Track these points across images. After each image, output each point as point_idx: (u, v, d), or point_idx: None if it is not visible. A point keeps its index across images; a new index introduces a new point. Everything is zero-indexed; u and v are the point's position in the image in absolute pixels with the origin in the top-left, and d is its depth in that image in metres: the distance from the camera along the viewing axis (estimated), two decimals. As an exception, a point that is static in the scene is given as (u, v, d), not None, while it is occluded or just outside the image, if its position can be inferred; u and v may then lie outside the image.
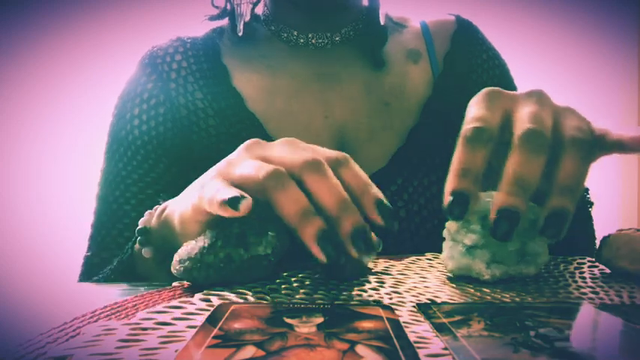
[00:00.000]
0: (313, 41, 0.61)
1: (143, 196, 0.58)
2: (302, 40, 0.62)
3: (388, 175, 0.58)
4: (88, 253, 0.60)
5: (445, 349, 0.23)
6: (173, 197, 0.60)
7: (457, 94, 0.63)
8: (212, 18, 0.67)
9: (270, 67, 0.62)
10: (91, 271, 0.59)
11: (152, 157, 0.60)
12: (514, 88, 0.66)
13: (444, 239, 0.38)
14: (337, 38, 0.62)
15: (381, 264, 0.42)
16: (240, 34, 0.61)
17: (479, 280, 0.36)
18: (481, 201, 0.36)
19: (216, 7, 0.66)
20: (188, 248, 0.35)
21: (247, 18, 0.62)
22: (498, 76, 0.66)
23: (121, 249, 0.57)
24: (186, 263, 0.34)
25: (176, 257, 0.35)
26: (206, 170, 0.40)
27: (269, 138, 0.57)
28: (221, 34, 0.67)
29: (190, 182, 0.56)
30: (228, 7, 0.65)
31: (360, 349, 0.22)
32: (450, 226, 0.38)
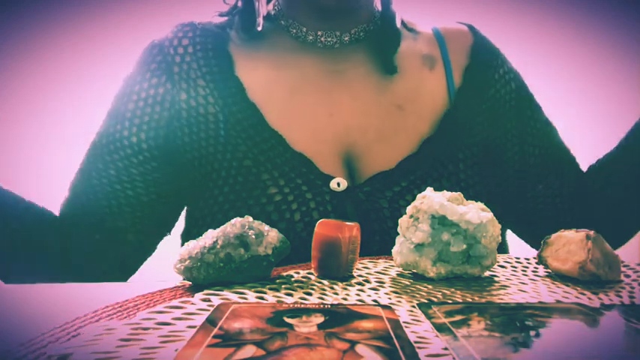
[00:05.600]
0: (322, 39, 0.61)
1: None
2: (310, 37, 0.61)
3: (393, 177, 0.57)
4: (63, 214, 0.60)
5: (445, 349, 0.23)
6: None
7: (475, 109, 0.63)
8: (222, 14, 0.67)
9: (276, 59, 0.62)
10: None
11: (145, 155, 0.60)
12: (530, 96, 0.68)
13: (398, 234, 0.39)
14: (346, 38, 0.61)
15: (381, 264, 0.42)
16: (260, 28, 0.61)
17: (424, 276, 0.37)
18: (432, 201, 0.37)
19: (227, 4, 0.66)
20: (189, 247, 0.35)
21: (264, 12, 0.62)
22: (515, 89, 0.66)
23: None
24: (187, 262, 0.34)
25: (177, 256, 0.35)
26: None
27: (270, 130, 0.57)
28: (230, 21, 0.66)
29: (189, 178, 0.58)
30: (240, 4, 0.65)
31: (360, 348, 0.22)
32: (402, 222, 0.39)
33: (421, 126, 0.61)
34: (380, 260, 0.43)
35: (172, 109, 0.60)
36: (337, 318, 0.26)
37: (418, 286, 0.35)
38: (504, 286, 0.36)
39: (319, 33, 0.61)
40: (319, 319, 0.26)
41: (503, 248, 0.66)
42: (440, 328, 0.25)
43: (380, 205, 0.56)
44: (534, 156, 0.65)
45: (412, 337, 0.24)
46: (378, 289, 0.34)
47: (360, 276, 0.38)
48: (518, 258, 0.44)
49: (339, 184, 0.56)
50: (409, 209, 0.39)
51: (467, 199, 0.39)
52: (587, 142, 0.81)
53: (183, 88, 0.61)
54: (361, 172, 0.58)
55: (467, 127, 0.62)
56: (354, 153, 0.59)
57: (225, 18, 0.67)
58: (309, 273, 0.38)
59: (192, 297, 0.30)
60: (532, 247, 0.67)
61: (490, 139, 0.64)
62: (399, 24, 0.64)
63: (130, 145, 0.60)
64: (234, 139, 0.58)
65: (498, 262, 0.42)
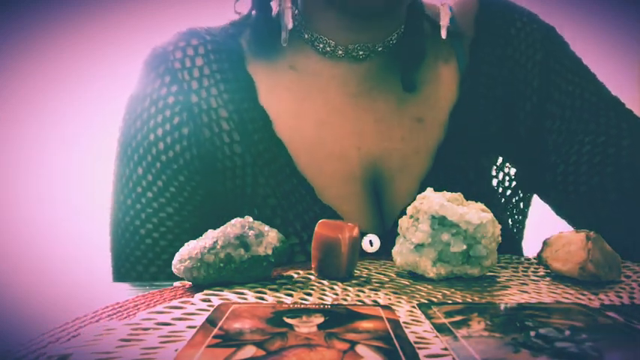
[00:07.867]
0: (354, 54, 0.54)
1: (164, 215, 0.53)
2: (340, 52, 0.54)
3: None
4: (115, 271, 0.54)
5: (445, 349, 0.23)
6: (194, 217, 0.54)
7: (488, 87, 0.56)
8: (233, 23, 0.59)
9: (301, 82, 0.55)
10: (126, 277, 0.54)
11: (180, 172, 0.54)
12: (566, 46, 0.58)
13: (398, 234, 0.39)
14: (380, 48, 0.54)
15: (381, 264, 0.42)
16: (285, 44, 0.52)
17: (424, 276, 0.37)
18: (432, 201, 0.37)
19: (238, 13, 0.58)
20: (189, 248, 0.35)
21: (290, 25, 0.52)
22: (540, 40, 0.57)
23: (154, 263, 0.53)
24: (187, 262, 0.34)
25: (177, 256, 0.35)
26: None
27: (297, 173, 0.52)
28: (241, 31, 0.58)
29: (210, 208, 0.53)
30: (254, 12, 0.57)
31: (360, 349, 0.22)
32: (402, 222, 0.39)
33: (437, 134, 0.55)
34: (380, 260, 0.44)
35: (199, 152, 0.54)
36: (337, 318, 0.26)
37: (418, 287, 0.35)
38: (505, 287, 0.36)
39: (350, 47, 0.53)
40: (319, 319, 0.26)
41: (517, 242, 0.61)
42: (440, 329, 0.25)
43: None
44: (559, 119, 0.55)
45: (412, 338, 0.24)
46: (377, 290, 0.34)
47: (360, 276, 0.38)
48: (518, 258, 0.44)
49: (371, 243, 0.49)
50: (409, 209, 0.39)
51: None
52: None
53: (205, 123, 0.53)
54: (386, 212, 0.53)
55: (480, 109, 0.56)
56: (379, 186, 0.54)
57: (229, 22, 0.59)
58: (309, 273, 0.38)
59: (192, 297, 0.30)
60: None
61: (512, 108, 0.56)
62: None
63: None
64: (262, 188, 0.52)
65: (498, 262, 0.42)
